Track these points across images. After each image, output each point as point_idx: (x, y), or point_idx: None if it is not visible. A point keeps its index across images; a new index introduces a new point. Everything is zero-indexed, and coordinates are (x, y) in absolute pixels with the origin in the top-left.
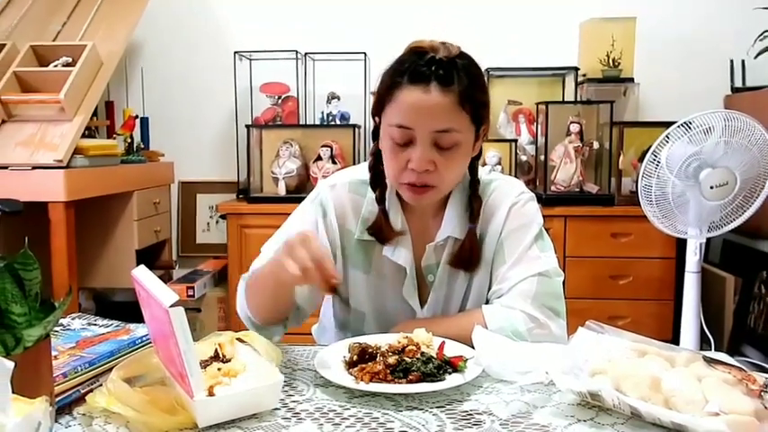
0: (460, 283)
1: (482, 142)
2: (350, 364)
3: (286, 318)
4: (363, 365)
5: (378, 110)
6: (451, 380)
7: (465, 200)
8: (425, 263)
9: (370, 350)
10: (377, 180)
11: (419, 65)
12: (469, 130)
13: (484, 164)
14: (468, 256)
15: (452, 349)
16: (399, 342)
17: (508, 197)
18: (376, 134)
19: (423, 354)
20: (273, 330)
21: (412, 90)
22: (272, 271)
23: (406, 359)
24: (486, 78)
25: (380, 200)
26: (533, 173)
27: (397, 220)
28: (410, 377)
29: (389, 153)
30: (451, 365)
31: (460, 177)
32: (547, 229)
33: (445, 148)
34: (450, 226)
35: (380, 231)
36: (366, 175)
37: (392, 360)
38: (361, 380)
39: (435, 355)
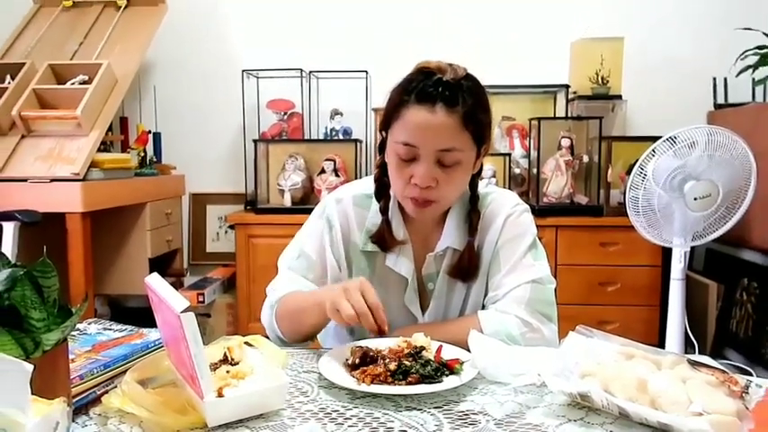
0: (459, 291)
1: (483, 160)
2: (352, 367)
3: (313, 337)
4: (365, 368)
5: (385, 125)
6: (448, 382)
7: (464, 213)
8: (426, 271)
9: (371, 354)
10: (381, 191)
11: (426, 85)
12: (471, 149)
13: (481, 178)
14: (466, 267)
15: (449, 352)
16: (399, 346)
17: (504, 208)
18: (382, 147)
19: (421, 357)
20: (300, 345)
21: (418, 109)
22: (317, 304)
23: (406, 362)
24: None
25: (384, 210)
26: (526, 185)
27: (399, 230)
28: (409, 379)
29: (394, 168)
30: (448, 368)
31: (461, 193)
32: (540, 239)
33: (447, 165)
34: (450, 237)
35: (383, 240)
36: (370, 190)
37: (392, 366)
38: (363, 381)
39: (433, 358)
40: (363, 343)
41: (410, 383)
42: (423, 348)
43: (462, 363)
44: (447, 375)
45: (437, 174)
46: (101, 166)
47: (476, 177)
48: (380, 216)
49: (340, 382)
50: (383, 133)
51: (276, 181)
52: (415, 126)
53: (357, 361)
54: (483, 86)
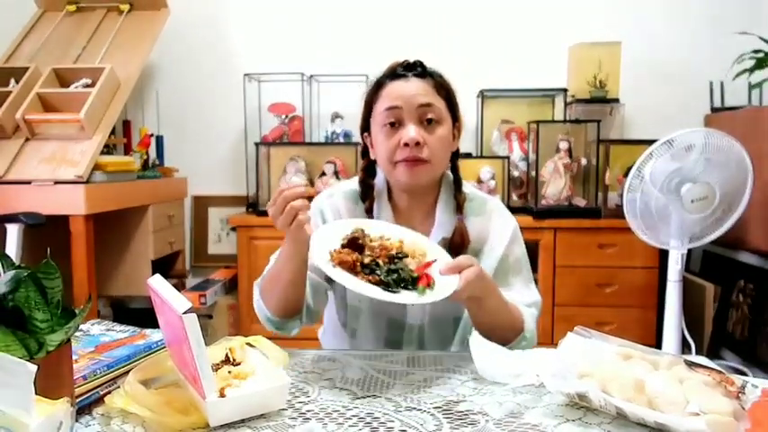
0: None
1: (458, 141)
2: (341, 248)
3: (299, 312)
4: (341, 250)
5: (366, 119)
6: (402, 296)
7: (451, 200)
8: None
9: (359, 241)
10: (366, 193)
11: (397, 68)
12: (447, 115)
13: (479, 181)
14: (459, 242)
15: (435, 270)
16: (392, 243)
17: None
18: (365, 152)
19: (397, 263)
20: (291, 326)
21: (395, 83)
22: (282, 249)
23: (379, 261)
24: (480, 99)
25: (369, 210)
26: (525, 187)
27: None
28: (369, 277)
29: (383, 138)
30: (415, 284)
31: (446, 160)
32: (537, 241)
33: (430, 123)
34: (442, 227)
35: None
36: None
37: (367, 260)
38: (333, 260)
39: (414, 268)
40: (367, 226)
41: (369, 282)
42: (406, 255)
43: (432, 284)
44: (409, 290)
45: (422, 132)
46: (104, 169)
47: (455, 159)
48: (367, 216)
49: (316, 260)
50: (365, 134)
51: (277, 183)
52: (395, 92)
53: (345, 242)
54: None
